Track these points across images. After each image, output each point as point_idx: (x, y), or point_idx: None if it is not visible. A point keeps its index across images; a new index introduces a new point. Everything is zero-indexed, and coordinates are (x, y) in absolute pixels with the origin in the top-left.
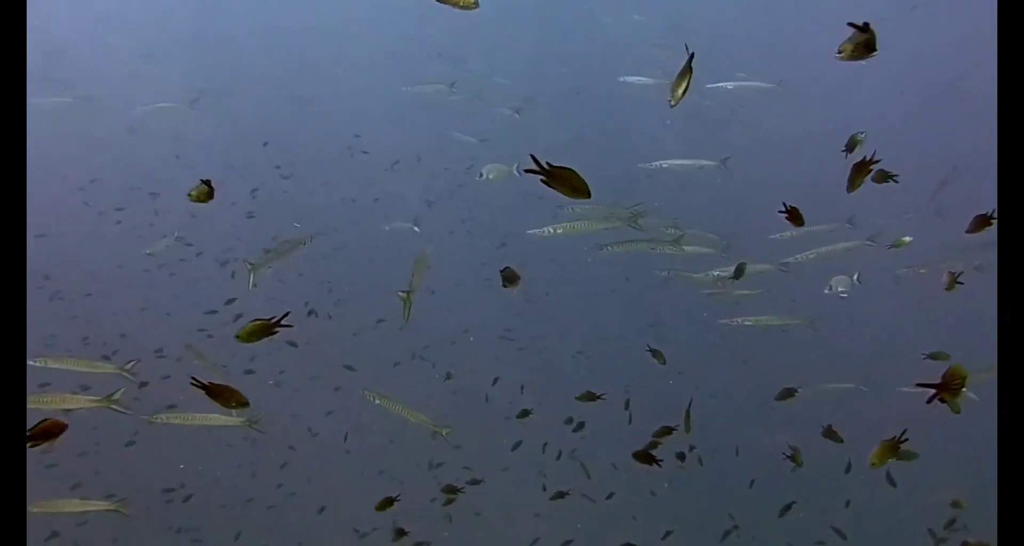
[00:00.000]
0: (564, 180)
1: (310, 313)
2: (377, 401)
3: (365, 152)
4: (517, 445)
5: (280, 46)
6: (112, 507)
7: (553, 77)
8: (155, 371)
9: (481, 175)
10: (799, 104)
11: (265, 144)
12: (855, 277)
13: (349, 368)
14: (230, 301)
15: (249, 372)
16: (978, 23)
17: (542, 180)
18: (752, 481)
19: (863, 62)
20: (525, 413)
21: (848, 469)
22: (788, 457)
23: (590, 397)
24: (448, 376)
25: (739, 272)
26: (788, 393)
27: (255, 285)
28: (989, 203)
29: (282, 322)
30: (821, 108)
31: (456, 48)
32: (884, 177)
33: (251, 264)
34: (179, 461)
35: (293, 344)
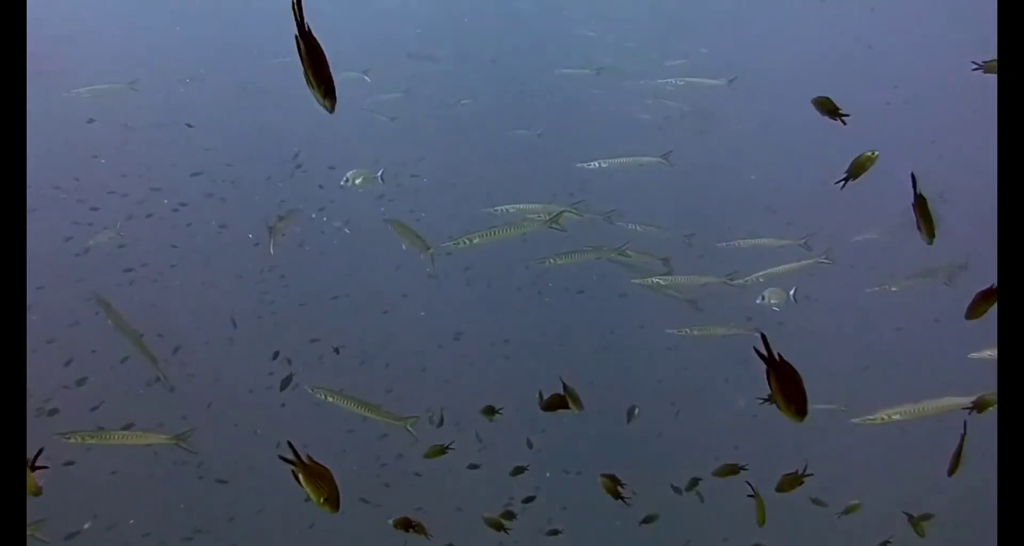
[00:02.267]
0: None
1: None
2: (330, 398)
3: (299, 164)
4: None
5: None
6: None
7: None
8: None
9: (346, 180)
10: (754, 104)
11: (189, 125)
12: (791, 292)
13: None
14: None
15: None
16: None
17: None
18: None
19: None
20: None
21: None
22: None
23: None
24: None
25: None
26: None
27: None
28: (970, 222)
29: (37, 464)
30: (779, 108)
31: (428, 47)
32: (833, 110)
33: (271, 227)
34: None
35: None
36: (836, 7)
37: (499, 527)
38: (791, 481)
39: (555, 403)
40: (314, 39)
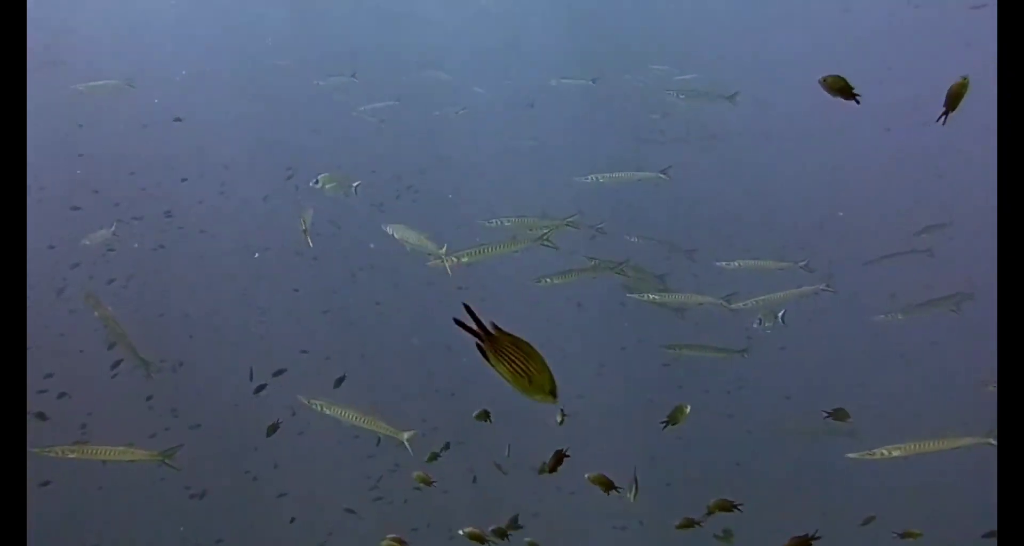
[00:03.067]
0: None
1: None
2: (327, 411)
3: (290, 175)
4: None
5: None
6: None
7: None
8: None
9: (316, 182)
10: (760, 122)
11: (178, 119)
12: (780, 315)
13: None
14: None
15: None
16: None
17: None
18: None
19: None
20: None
21: None
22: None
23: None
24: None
25: None
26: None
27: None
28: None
29: None
30: (785, 126)
31: (441, 57)
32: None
33: (304, 220)
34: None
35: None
36: (853, 24)
37: (481, 540)
38: (800, 543)
39: (557, 463)
40: (501, 335)
